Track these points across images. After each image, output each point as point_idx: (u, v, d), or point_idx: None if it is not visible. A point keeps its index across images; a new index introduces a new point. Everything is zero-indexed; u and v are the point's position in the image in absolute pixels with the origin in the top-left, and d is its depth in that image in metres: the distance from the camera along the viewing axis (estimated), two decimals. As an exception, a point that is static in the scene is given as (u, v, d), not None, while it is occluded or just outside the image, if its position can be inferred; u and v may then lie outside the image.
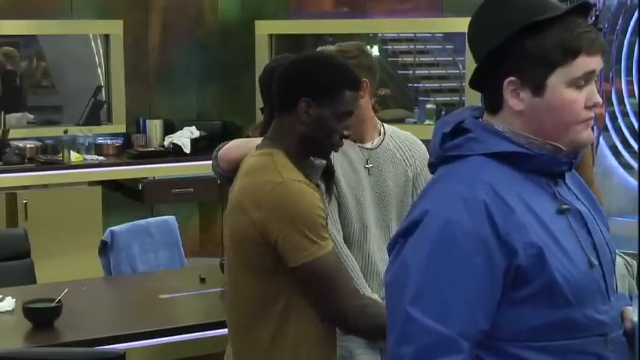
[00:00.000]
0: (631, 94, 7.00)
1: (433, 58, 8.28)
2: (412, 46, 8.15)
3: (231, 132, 6.82)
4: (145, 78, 7.36)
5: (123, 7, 7.20)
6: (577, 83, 1.88)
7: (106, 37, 7.20)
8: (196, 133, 7.08)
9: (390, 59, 7.99)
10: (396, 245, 1.91)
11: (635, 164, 6.99)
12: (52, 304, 3.70)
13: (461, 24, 7.08)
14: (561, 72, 1.87)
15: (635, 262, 4.10)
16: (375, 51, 7.40)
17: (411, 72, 8.02)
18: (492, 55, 1.89)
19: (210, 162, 3.24)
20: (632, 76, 6.91)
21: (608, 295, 1.93)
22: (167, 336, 3.71)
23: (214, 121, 7.33)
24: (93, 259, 5.00)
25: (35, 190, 6.49)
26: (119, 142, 7.10)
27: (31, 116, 7.27)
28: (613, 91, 6.70)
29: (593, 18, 6.12)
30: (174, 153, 6.99)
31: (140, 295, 4.35)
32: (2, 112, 6.71)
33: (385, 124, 3.41)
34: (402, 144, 3.38)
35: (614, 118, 6.97)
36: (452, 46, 7.84)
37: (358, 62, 3.18)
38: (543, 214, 1.86)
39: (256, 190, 2.59)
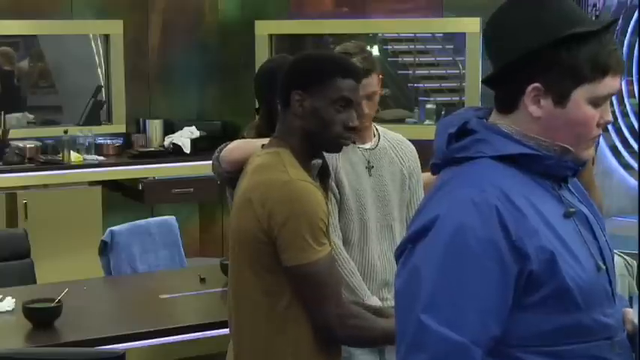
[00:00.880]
0: (631, 94, 7.01)
1: (433, 58, 8.27)
2: (412, 46, 8.15)
3: (231, 132, 6.82)
4: (145, 78, 7.36)
5: (123, 7, 7.20)
6: (598, 102, 1.87)
7: (106, 37, 7.20)
8: (196, 133, 7.07)
9: (390, 59, 7.99)
10: (404, 251, 1.88)
11: (635, 164, 7.00)
12: (52, 304, 3.70)
13: (461, 24, 7.13)
14: (587, 88, 1.85)
15: (635, 262, 4.10)
16: (375, 51, 7.40)
17: (411, 72, 8.02)
18: (520, 59, 1.86)
19: (210, 162, 3.24)
20: (632, 76, 6.92)
21: (613, 297, 1.93)
22: (167, 336, 3.71)
23: (214, 121, 7.33)
24: (93, 259, 5.00)
25: (35, 190, 6.48)
26: (119, 142, 7.10)
27: (31, 116, 7.27)
28: (613, 91, 6.69)
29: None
30: (175, 153, 6.99)
31: (140, 295, 4.35)
32: (2, 112, 6.71)
33: (376, 125, 3.42)
34: (395, 144, 3.41)
35: (614, 118, 6.98)
36: (452, 46, 7.83)
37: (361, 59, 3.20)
38: (552, 218, 1.85)
39: (263, 188, 2.59)
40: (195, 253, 6.90)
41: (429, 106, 7.19)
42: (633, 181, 6.96)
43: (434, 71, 8.20)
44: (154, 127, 7.22)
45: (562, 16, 1.87)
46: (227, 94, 7.44)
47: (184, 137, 7.03)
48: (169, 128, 7.22)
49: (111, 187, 6.82)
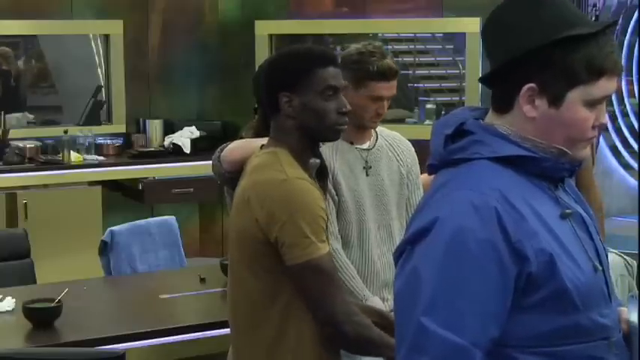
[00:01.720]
0: (631, 94, 7.00)
1: (433, 58, 8.27)
2: (412, 46, 8.15)
3: (231, 132, 6.82)
4: (145, 78, 7.36)
5: (123, 7, 7.19)
6: (593, 103, 1.87)
7: (106, 37, 7.20)
8: (196, 133, 7.07)
9: (390, 59, 7.97)
10: (403, 252, 1.88)
11: (635, 164, 7.00)
12: (52, 304, 3.70)
13: (461, 24, 7.13)
14: (582, 89, 1.85)
15: (635, 262, 4.10)
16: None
17: (411, 72, 8.02)
18: (517, 58, 1.87)
19: (210, 162, 3.24)
20: (632, 76, 6.92)
21: (609, 298, 1.93)
22: (167, 336, 3.71)
23: (214, 121, 7.33)
24: (93, 259, 5.00)
25: (35, 190, 6.48)
26: (119, 142, 7.10)
27: (31, 116, 7.27)
28: (613, 91, 6.70)
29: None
30: (175, 153, 6.99)
31: (140, 295, 4.35)
32: (2, 112, 6.71)
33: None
34: (392, 142, 3.41)
35: (614, 118, 6.98)
36: (452, 46, 7.83)
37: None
38: (549, 220, 1.86)
39: (260, 187, 2.60)
40: (195, 253, 6.90)
41: (429, 106, 7.19)
42: (633, 181, 6.96)
43: (434, 71, 8.20)
44: (154, 127, 7.22)
45: (560, 16, 1.87)
46: (227, 94, 7.44)
47: (184, 137, 7.03)
48: (169, 128, 7.22)
49: (111, 187, 6.82)
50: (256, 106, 3.37)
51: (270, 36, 7.22)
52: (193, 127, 7.13)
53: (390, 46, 8.07)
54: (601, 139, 6.68)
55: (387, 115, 7.28)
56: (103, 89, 7.23)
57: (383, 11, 7.04)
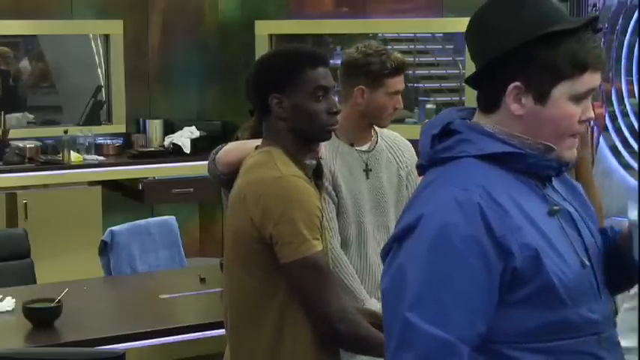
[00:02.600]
0: (631, 94, 7.00)
1: (433, 58, 8.28)
2: (412, 46, 8.16)
3: (231, 132, 6.80)
4: (145, 78, 7.36)
5: (123, 7, 7.19)
6: (578, 98, 1.89)
7: (106, 37, 7.20)
8: (196, 133, 7.07)
9: (390, 59, 7.97)
10: (390, 250, 1.90)
11: (635, 164, 6.99)
12: (52, 304, 3.70)
13: (461, 24, 7.07)
14: (567, 85, 1.88)
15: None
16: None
17: (411, 72, 8.02)
18: (500, 58, 1.89)
19: (210, 162, 3.24)
20: (632, 76, 6.91)
21: (599, 293, 1.93)
22: (167, 336, 3.71)
23: (214, 121, 7.33)
24: (93, 259, 5.00)
25: (35, 190, 6.49)
26: (119, 142, 7.10)
27: (31, 116, 7.27)
28: (613, 91, 6.70)
29: (595, 19, 6.11)
30: (175, 153, 6.99)
31: (140, 295, 4.35)
32: (2, 112, 6.71)
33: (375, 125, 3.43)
34: (392, 144, 3.41)
35: (614, 118, 6.97)
36: (452, 46, 7.84)
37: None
38: (535, 216, 1.87)
39: (255, 185, 2.60)
40: (195, 253, 6.90)
41: (429, 106, 7.20)
42: (633, 181, 6.95)
43: (434, 71, 8.21)
44: (154, 127, 7.22)
45: (541, 14, 1.90)
46: (227, 94, 7.44)
47: (184, 137, 7.03)
48: (169, 128, 7.22)
49: (111, 187, 6.82)
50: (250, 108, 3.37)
51: (270, 36, 7.22)
52: (193, 127, 7.13)
53: (390, 46, 8.06)
54: (601, 139, 6.68)
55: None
56: (103, 89, 7.23)
57: (383, 11, 7.04)
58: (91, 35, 7.32)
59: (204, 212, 7.51)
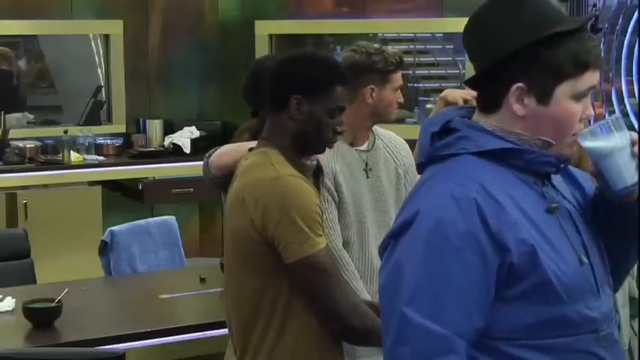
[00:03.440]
0: (631, 94, 7.00)
1: (433, 58, 8.27)
2: (412, 46, 8.15)
3: (231, 132, 6.80)
4: (145, 78, 7.36)
5: (123, 7, 7.19)
6: (580, 96, 1.91)
7: (106, 37, 7.20)
8: (196, 133, 7.07)
9: (390, 59, 7.96)
10: (388, 246, 1.91)
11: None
12: (52, 304, 3.70)
13: (461, 24, 7.04)
14: (569, 84, 1.89)
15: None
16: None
17: (411, 72, 8.02)
18: (503, 59, 1.89)
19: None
20: (632, 76, 6.91)
21: (598, 291, 1.94)
22: (167, 336, 3.71)
23: (214, 121, 7.33)
24: (93, 259, 5.00)
25: (35, 190, 6.48)
26: (119, 142, 7.10)
27: (31, 116, 7.26)
28: (613, 91, 6.70)
29: (593, 19, 6.12)
30: (175, 153, 6.99)
31: (140, 295, 4.36)
32: (2, 112, 6.71)
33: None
34: (389, 142, 3.43)
35: (614, 118, 6.95)
36: (452, 46, 7.83)
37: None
38: (533, 213, 1.88)
39: (253, 187, 2.60)
40: (195, 253, 6.90)
41: (429, 106, 7.19)
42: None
43: (434, 71, 8.19)
44: (154, 127, 7.22)
45: (542, 15, 1.91)
46: (227, 94, 7.44)
47: (184, 137, 7.03)
48: (169, 128, 7.22)
49: (111, 187, 6.82)
50: (254, 109, 3.37)
51: (270, 36, 7.22)
52: (193, 127, 7.13)
53: (390, 46, 8.07)
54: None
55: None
56: (103, 89, 7.23)
57: (383, 11, 7.04)
58: (91, 35, 7.32)
59: (204, 212, 7.51)
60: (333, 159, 3.24)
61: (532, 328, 1.85)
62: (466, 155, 1.91)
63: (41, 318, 3.68)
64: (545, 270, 1.84)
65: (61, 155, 6.67)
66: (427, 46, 8.24)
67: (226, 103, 7.44)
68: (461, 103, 3.24)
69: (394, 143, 3.44)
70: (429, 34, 7.96)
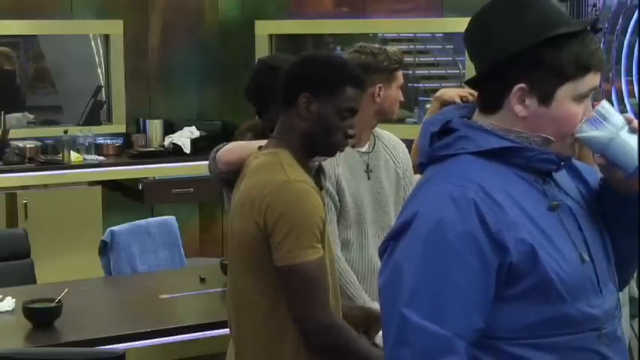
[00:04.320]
0: (631, 94, 7.00)
1: (433, 58, 8.27)
2: (412, 46, 8.15)
3: (231, 132, 6.80)
4: (145, 78, 7.36)
5: (123, 7, 7.20)
6: (581, 98, 1.91)
7: (106, 37, 7.20)
8: (196, 133, 7.07)
9: (390, 59, 7.96)
10: (387, 248, 1.91)
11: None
12: (52, 304, 3.70)
13: (461, 24, 7.06)
14: (571, 86, 1.89)
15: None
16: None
17: (411, 72, 8.02)
18: (505, 60, 1.89)
19: (211, 162, 3.23)
20: (632, 76, 6.91)
21: (600, 289, 1.94)
22: (167, 336, 3.71)
23: (214, 121, 7.33)
24: (93, 259, 5.00)
25: (35, 190, 6.48)
26: (119, 142, 7.10)
27: (31, 116, 7.27)
28: (613, 91, 6.70)
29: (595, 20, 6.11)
30: (175, 153, 6.99)
31: (140, 295, 4.35)
32: (2, 112, 6.71)
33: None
34: (388, 143, 3.43)
35: (614, 118, 6.95)
36: (452, 46, 7.83)
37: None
38: (533, 212, 1.88)
39: (260, 188, 2.58)
40: (195, 253, 6.90)
41: (428, 106, 7.16)
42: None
43: (434, 71, 8.19)
44: (154, 127, 7.22)
45: (545, 16, 1.91)
46: (227, 94, 7.44)
47: (184, 137, 7.03)
48: (169, 128, 7.22)
49: (111, 187, 6.82)
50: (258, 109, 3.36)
51: (270, 36, 7.22)
52: (193, 127, 7.13)
53: (389, 46, 8.07)
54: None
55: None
56: (103, 89, 7.23)
57: (383, 11, 7.04)
58: (91, 35, 7.32)
59: (204, 212, 7.51)
60: (336, 162, 3.23)
61: (533, 327, 1.85)
62: (465, 155, 1.91)
63: (41, 318, 3.68)
64: (546, 269, 1.83)
65: (61, 155, 6.67)
66: (427, 46, 8.24)
67: (226, 103, 7.45)
68: (457, 100, 3.24)
69: (393, 144, 3.44)
70: (429, 34, 7.96)
